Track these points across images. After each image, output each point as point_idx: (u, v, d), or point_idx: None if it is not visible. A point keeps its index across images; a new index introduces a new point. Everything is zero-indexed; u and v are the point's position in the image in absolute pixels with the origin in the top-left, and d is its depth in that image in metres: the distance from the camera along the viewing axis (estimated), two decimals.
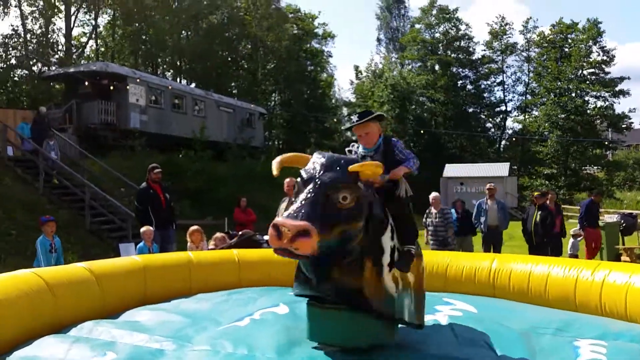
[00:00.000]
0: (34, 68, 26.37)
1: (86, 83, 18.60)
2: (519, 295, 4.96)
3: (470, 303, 4.67)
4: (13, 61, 27.17)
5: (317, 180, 2.93)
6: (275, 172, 3.19)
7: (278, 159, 3.24)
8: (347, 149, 3.74)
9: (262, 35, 33.26)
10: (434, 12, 44.41)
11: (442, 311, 4.41)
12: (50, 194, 13.63)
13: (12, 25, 29.37)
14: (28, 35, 28.04)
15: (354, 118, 3.71)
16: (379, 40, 50.84)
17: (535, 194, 10.22)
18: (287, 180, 6.86)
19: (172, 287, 5.28)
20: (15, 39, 27.43)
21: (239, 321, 4.00)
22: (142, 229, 7.33)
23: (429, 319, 4.16)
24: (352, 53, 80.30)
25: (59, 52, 28.79)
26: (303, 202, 2.83)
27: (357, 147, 3.69)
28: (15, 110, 18.22)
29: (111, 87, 18.56)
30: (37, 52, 27.91)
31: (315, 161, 3.09)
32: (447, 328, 3.92)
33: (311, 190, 2.89)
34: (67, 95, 19.52)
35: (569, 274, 4.66)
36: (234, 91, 30.88)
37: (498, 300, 4.92)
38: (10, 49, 27.19)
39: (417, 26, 45.34)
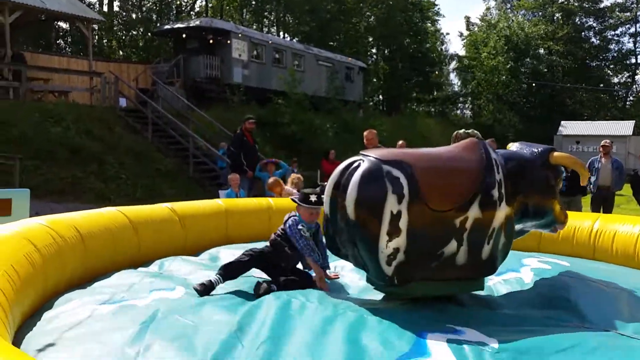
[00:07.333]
0: (149, 25, 27.74)
1: (193, 38, 19.25)
2: (623, 259, 4.43)
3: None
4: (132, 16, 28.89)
5: None
6: None
7: None
8: None
9: None
10: None
11: (529, 265, 4.03)
12: (158, 143, 14.44)
13: None
14: None
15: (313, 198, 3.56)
16: None
17: None
18: (366, 132, 6.63)
19: (251, 230, 5.35)
20: None
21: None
22: (229, 176, 7.53)
23: (513, 276, 3.82)
24: (461, 3, 75.80)
25: (171, 9, 30.08)
26: None
27: None
28: (128, 65, 19.40)
29: (215, 42, 19.06)
30: (152, 10, 29.40)
31: None
32: (531, 285, 3.57)
33: None
34: (176, 51, 20.36)
35: None
36: (335, 44, 30.40)
37: (597, 263, 4.42)
38: (130, 6, 28.89)
39: None
